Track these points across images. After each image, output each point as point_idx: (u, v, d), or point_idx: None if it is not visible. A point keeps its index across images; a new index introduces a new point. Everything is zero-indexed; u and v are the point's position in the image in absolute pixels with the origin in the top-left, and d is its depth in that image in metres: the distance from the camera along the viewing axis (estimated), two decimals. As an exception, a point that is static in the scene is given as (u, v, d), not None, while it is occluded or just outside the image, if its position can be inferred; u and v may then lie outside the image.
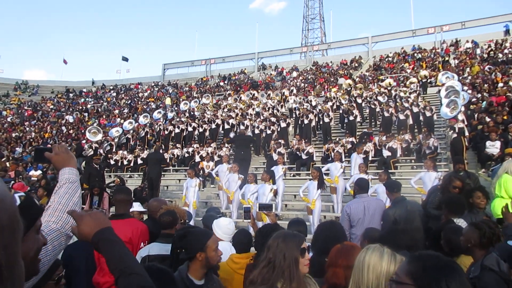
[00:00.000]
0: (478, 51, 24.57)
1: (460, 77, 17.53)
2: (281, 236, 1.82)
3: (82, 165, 15.17)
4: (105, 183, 10.87)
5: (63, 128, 24.62)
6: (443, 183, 4.64)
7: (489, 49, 23.95)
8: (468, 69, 20.45)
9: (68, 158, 1.60)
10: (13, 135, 23.58)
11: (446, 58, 24.52)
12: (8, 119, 28.56)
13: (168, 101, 26.89)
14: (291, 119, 16.60)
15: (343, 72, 27.19)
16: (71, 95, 36.52)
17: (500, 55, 21.67)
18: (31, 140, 21.45)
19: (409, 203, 4.67)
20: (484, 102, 13.79)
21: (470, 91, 14.72)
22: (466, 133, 10.74)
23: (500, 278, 2.31)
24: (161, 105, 26.49)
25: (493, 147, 9.81)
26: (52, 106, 32.16)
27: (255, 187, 8.40)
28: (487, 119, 11.67)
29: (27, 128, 25.48)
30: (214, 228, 3.29)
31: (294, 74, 30.01)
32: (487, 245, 2.45)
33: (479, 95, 14.80)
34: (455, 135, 10.34)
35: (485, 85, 16.03)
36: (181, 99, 26.26)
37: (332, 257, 1.99)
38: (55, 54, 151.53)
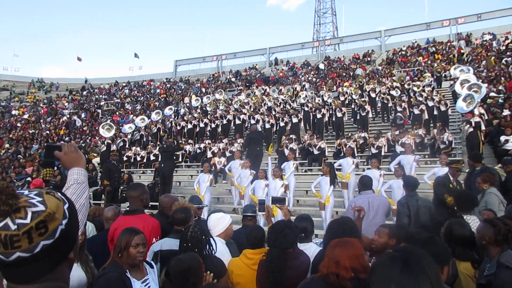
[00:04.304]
0: (495, 43, 23.97)
1: (475, 71, 17.15)
2: None
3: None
4: (121, 180, 10.96)
5: (77, 124, 24.98)
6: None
7: (506, 41, 23.34)
8: (483, 62, 19.97)
9: (77, 158, 1.58)
10: (30, 131, 24.06)
11: (462, 51, 23.99)
12: (25, 117, 29.12)
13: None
14: (301, 114, 16.42)
15: (355, 67, 26.86)
16: (85, 92, 37.04)
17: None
18: (47, 137, 21.85)
19: (420, 198, 5.06)
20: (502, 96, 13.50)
21: (486, 85, 14.42)
22: (483, 127, 10.51)
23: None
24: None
25: (508, 141, 9.60)
26: (66, 104, 32.67)
27: (265, 183, 8.41)
28: (504, 113, 11.41)
29: (43, 125, 25.95)
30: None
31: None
32: (502, 242, 2.40)
33: (494, 89, 14.49)
34: (471, 130, 10.13)
35: (502, 79, 15.67)
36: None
37: (330, 248, 1.96)
38: (71, 52, 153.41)
